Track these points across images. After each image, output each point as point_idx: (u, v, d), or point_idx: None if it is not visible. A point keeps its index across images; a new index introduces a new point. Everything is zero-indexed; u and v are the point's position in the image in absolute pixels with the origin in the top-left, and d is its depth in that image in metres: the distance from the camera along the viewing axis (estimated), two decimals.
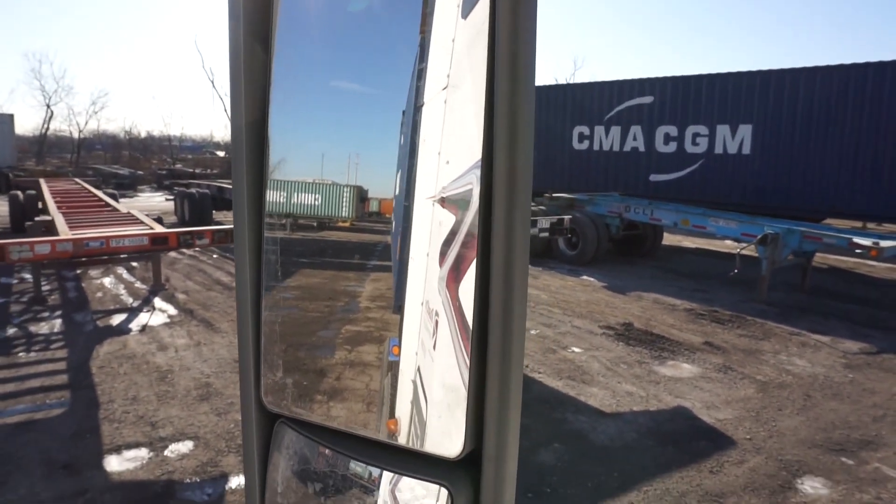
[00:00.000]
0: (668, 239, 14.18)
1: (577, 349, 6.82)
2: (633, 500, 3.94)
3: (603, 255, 11.86)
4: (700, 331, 7.68)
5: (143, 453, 4.41)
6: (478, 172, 0.53)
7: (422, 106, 0.59)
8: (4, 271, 10.19)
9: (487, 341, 0.54)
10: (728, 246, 14.24)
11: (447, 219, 0.57)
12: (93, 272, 10.24)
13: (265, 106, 0.68)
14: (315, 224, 0.71)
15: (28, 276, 9.92)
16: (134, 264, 10.70)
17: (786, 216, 10.78)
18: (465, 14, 0.55)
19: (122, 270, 10.48)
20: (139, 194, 27.97)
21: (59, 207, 9.75)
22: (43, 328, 7.24)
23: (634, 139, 13.84)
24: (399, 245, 0.63)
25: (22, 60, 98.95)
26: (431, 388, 0.59)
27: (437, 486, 0.57)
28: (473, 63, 0.54)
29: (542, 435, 4.75)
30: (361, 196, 0.65)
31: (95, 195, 12.70)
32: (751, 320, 8.21)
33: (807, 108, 11.36)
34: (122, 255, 8.11)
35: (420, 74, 0.59)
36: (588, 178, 14.74)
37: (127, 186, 29.30)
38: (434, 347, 0.59)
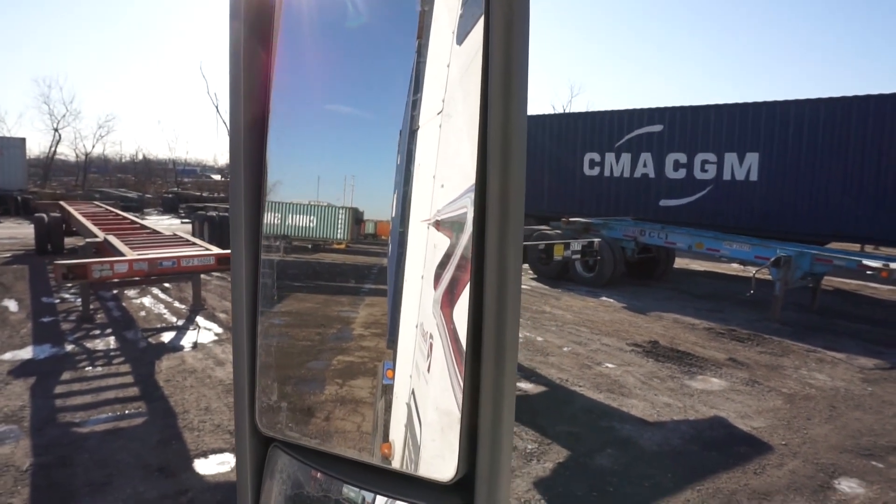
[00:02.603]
0: (677, 262, 14.65)
1: (610, 365, 7.21)
2: (689, 497, 4.31)
3: (618, 277, 12.31)
4: (722, 348, 8.09)
5: (229, 458, 4.75)
6: (472, 196, 0.54)
7: (417, 130, 0.60)
8: (45, 291, 10.52)
9: (481, 365, 0.55)
10: (735, 269, 14.73)
11: (442, 242, 0.57)
12: (129, 292, 10.58)
13: (263, 128, 0.68)
14: (310, 246, 0.71)
15: (67, 295, 10.28)
16: (167, 285, 11.05)
17: (792, 239, 11.27)
18: (459, 41, 0.56)
19: (157, 291, 10.82)
20: (147, 217, 28.29)
21: (102, 230, 10.10)
22: (99, 345, 7.58)
23: (645, 166, 14.40)
24: (395, 269, 0.63)
25: (32, 86, 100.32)
26: (426, 411, 0.59)
27: None
28: (467, 89, 0.55)
29: (595, 441, 5.13)
30: (357, 218, 0.65)
31: (127, 218, 13.06)
32: (768, 338, 8.64)
33: (812, 137, 11.95)
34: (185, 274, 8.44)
35: (415, 98, 0.60)
36: (599, 203, 15.27)
37: (134, 209, 29.64)
38: (428, 370, 0.59)
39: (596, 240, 11.36)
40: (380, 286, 0.64)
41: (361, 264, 0.67)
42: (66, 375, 6.45)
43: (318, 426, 0.68)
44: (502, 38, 0.51)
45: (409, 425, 0.60)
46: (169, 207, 31.83)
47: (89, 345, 7.58)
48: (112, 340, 7.80)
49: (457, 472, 0.55)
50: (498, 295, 0.53)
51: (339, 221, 0.66)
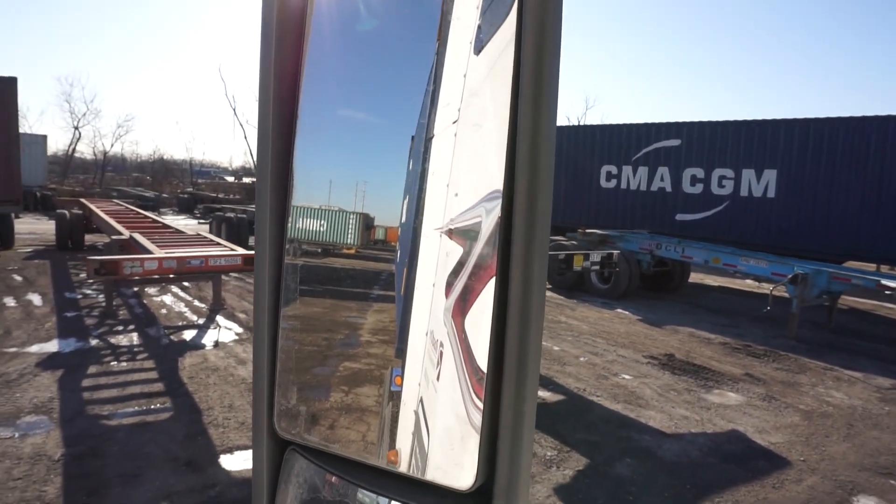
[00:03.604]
0: (691, 277, 14.66)
1: (626, 376, 7.26)
2: None
3: (633, 289, 12.34)
4: (738, 363, 8.12)
5: None
6: (487, 205, 0.54)
7: (431, 138, 0.60)
8: (67, 286, 10.70)
9: (502, 375, 0.54)
10: (749, 285, 14.71)
11: (454, 250, 0.57)
12: (150, 290, 10.74)
13: (291, 133, 0.69)
14: (319, 250, 0.70)
15: (89, 291, 10.45)
16: (186, 284, 11.20)
17: (808, 257, 11.26)
18: (477, 51, 0.56)
19: (176, 289, 10.97)
20: (163, 216, 28.56)
21: (126, 228, 10.27)
22: (123, 341, 7.71)
23: (662, 180, 14.44)
24: (405, 276, 0.63)
25: (54, 83, 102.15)
26: (435, 419, 0.59)
27: None
28: (486, 99, 0.55)
29: (614, 451, 5.18)
30: (367, 224, 0.65)
31: (149, 217, 13.26)
32: (784, 355, 8.64)
33: (830, 156, 11.96)
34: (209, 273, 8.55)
35: (431, 106, 0.60)
36: (615, 215, 15.32)
37: (150, 209, 29.93)
38: (438, 378, 0.58)
39: (615, 252, 11.48)
40: (390, 293, 0.65)
41: (376, 269, 0.67)
42: (92, 369, 6.57)
43: (335, 431, 0.67)
44: (534, 47, 0.51)
45: (417, 433, 0.60)
46: (184, 207, 32.12)
47: (113, 340, 7.71)
48: (135, 336, 7.93)
49: (475, 481, 0.55)
50: (522, 304, 0.53)
51: (350, 226, 0.66)
